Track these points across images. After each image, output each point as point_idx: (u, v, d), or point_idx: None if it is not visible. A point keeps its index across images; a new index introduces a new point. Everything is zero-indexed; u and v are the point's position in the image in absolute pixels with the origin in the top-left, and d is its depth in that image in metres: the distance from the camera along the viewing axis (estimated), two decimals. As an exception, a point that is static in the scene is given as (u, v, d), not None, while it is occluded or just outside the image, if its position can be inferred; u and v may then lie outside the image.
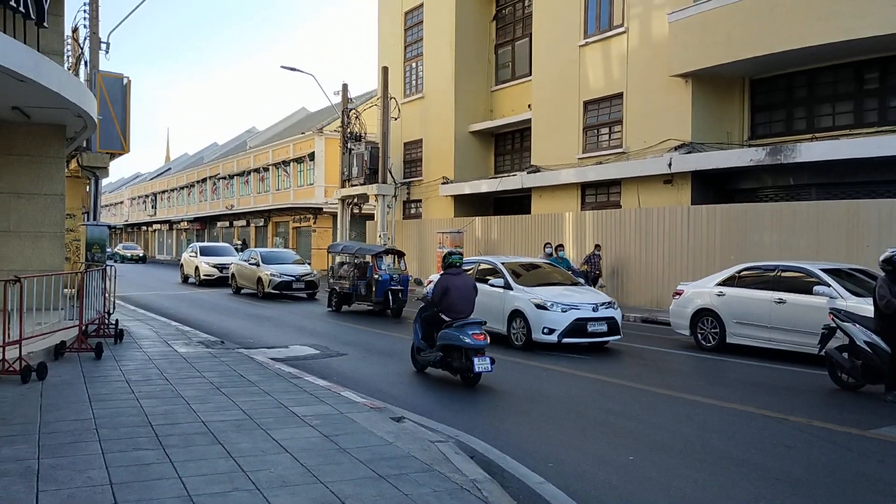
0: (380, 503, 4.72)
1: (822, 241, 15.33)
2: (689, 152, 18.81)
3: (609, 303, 12.81)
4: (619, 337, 12.66)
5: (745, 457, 6.33)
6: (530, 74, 25.81)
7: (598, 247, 19.19)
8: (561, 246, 17.96)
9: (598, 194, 22.68)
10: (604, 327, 12.35)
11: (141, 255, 58.38)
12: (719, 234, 17.41)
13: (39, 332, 9.65)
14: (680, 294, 13.24)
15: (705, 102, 19.32)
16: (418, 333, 10.16)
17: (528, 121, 25.48)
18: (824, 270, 11.13)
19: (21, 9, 9.44)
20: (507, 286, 12.98)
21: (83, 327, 10.75)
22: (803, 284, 11.20)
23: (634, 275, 19.57)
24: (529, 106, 25.48)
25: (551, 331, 12.07)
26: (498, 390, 9.19)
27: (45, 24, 10.00)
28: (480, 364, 9.01)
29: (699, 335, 12.60)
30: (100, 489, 4.82)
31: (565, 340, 12.10)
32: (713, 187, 19.32)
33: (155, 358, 10.40)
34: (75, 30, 21.98)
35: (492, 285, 13.27)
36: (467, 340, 9.12)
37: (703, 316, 12.54)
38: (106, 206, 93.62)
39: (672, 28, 19.18)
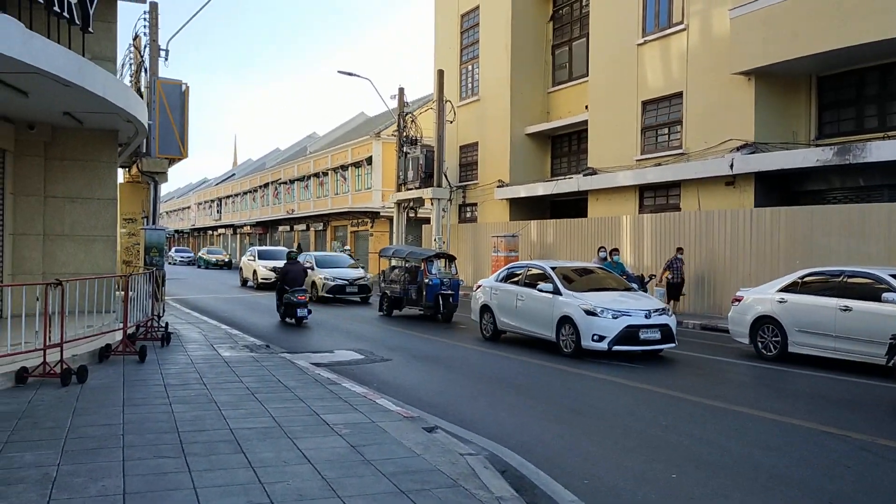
0: (396, 521, 4.46)
1: (895, 245, 14.42)
2: (752, 153, 18.02)
3: (662, 309, 12.28)
4: (673, 345, 12.11)
5: (798, 477, 5.84)
6: (588, 75, 25.27)
7: (680, 250, 18.15)
8: (616, 250, 17.40)
9: (657, 197, 21.99)
10: (657, 335, 11.83)
11: (226, 259, 54.07)
12: (783, 238, 16.60)
13: (83, 335, 9.73)
14: (739, 300, 12.61)
15: (769, 101, 18.50)
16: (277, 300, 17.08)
17: (586, 122, 24.95)
18: (895, 276, 10.39)
19: (65, 14, 9.56)
20: (556, 291, 12.57)
21: (130, 330, 10.83)
22: (871, 291, 10.48)
23: (691, 280, 18.84)
24: (586, 107, 24.95)
25: (601, 338, 11.63)
26: (542, 399, 8.83)
27: (90, 29, 10.13)
28: (301, 312, 16.33)
29: (759, 344, 11.95)
30: (111, 499, 4.69)
31: (616, 348, 11.64)
32: (777, 189, 18.47)
33: (197, 362, 10.40)
34: (136, 37, 22.50)
35: (540, 290, 12.89)
36: (294, 299, 16.33)
37: (763, 323, 11.89)
38: (174, 210, 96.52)
39: (734, 24, 18.43)
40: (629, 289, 13.48)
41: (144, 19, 20.77)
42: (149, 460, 5.56)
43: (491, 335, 14.21)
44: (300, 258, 27.07)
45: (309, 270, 24.36)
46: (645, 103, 22.14)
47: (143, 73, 21.34)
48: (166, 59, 21.45)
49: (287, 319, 16.96)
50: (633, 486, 5.60)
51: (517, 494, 5.08)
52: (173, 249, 65.51)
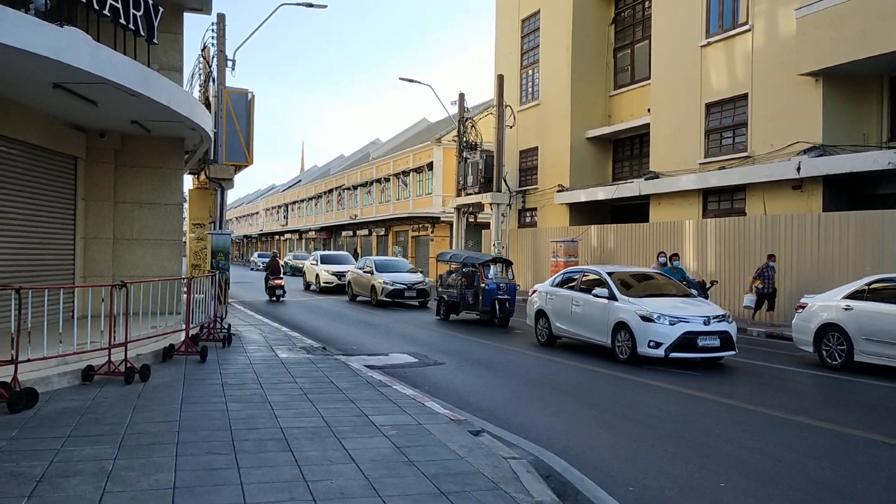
0: (433, 522, 4.50)
1: (975, 250, 13.75)
2: (820, 155, 17.43)
3: (723, 316, 11.99)
4: (733, 353, 11.81)
5: (853, 490, 5.63)
6: (650, 77, 24.90)
7: (772, 257, 17.13)
8: (676, 255, 17.07)
9: (721, 201, 21.47)
10: (716, 342, 11.56)
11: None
12: (852, 244, 16.00)
13: (147, 335, 10.11)
14: (804, 307, 12.21)
15: (838, 102, 17.87)
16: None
17: (648, 125, 24.59)
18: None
19: (131, 26, 9.98)
20: (612, 297, 12.42)
21: (193, 331, 11.19)
22: (945, 299, 10.01)
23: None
24: (649, 110, 24.58)
25: (658, 344, 11.43)
26: (593, 405, 8.75)
27: (154, 40, 10.54)
28: (278, 292, 24.94)
29: (824, 352, 11.55)
30: (162, 493, 4.87)
31: (673, 355, 11.42)
32: (847, 193, 17.82)
33: (255, 363, 10.67)
34: (205, 48, 23.24)
35: (595, 295, 12.76)
36: (272, 283, 24.50)
37: (828, 331, 11.49)
38: (243, 216, 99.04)
39: (800, 24, 17.89)
40: (688, 295, 13.21)
41: (212, 30, 21.44)
42: (200, 456, 5.75)
43: (546, 340, 14.13)
44: (361, 262, 27.66)
45: (368, 275, 24.78)
46: (709, 105, 21.68)
47: (211, 83, 22.03)
48: (233, 69, 22.07)
49: (272, 298, 25.31)
50: (679, 495, 5.50)
51: (558, 499, 5.06)
52: (255, 254, 65.32)
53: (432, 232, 41.94)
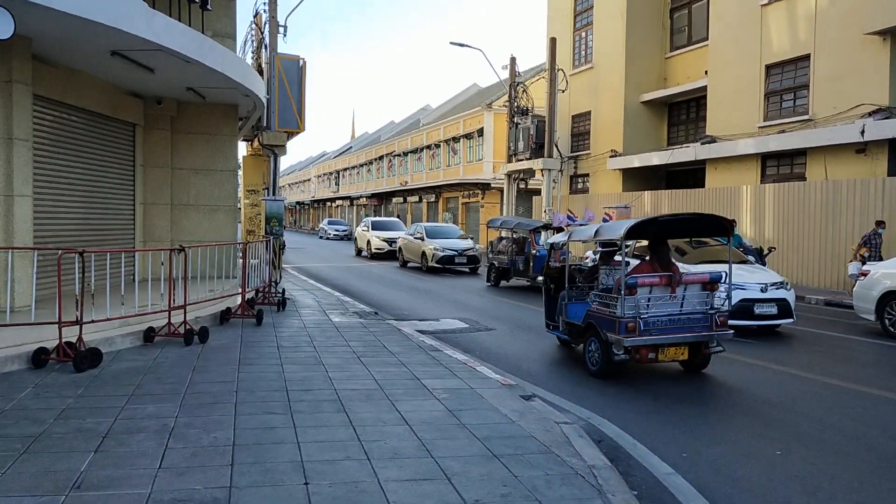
0: (486, 483, 4.53)
1: None
2: (887, 118, 16.72)
3: (780, 283, 11.71)
4: (791, 320, 11.55)
5: (920, 463, 5.48)
6: (708, 39, 24.15)
7: (880, 224, 15.55)
8: (733, 221, 16.59)
9: (781, 166, 20.84)
10: (773, 309, 11.31)
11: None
12: (921, 209, 15.39)
13: (205, 298, 10.35)
14: (865, 275, 11.84)
15: (908, 61, 17.08)
16: None
17: (704, 88, 23.92)
18: None
19: (186, -7, 10.10)
20: (666, 263, 12.18)
21: (249, 295, 11.42)
22: None
23: (817, 253, 17.82)
24: (706, 72, 23.88)
25: (713, 312, 11.20)
26: (644, 372, 8.67)
27: (208, 6, 10.63)
28: None
29: (886, 321, 11.20)
30: (221, 450, 5.02)
31: (730, 322, 11.17)
32: (915, 157, 17.11)
33: (309, 326, 10.85)
34: (257, 14, 23.35)
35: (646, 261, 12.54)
36: None
37: (891, 299, 11.12)
38: (295, 183, 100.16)
39: (870, -22, 17.09)
40: (745, 261, 12.92)
41: (264, -4, 21.49)
42: (258, 416, 5.89)
43: (598, 307, 13.97)
44: (412, 228, 27.78)
45: (418, 241, 24.88)
46: (769, 67, 20.95)
47: (263, 50, 22.15)
48: (285, 36, 22.17)
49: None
50: (734, 462, 5.43)
51: (610, 464, 5.05)
52: (325, 221, 59.47)
53: (482, 198, 41.77)
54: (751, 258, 13.63)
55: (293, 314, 12.15)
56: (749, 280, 11.51)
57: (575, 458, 5.08)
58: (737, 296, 11.19)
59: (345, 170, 74.69)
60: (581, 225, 10.22)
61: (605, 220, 9.51)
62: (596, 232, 8.69)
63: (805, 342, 10.91)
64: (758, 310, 11.23)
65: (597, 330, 8.29)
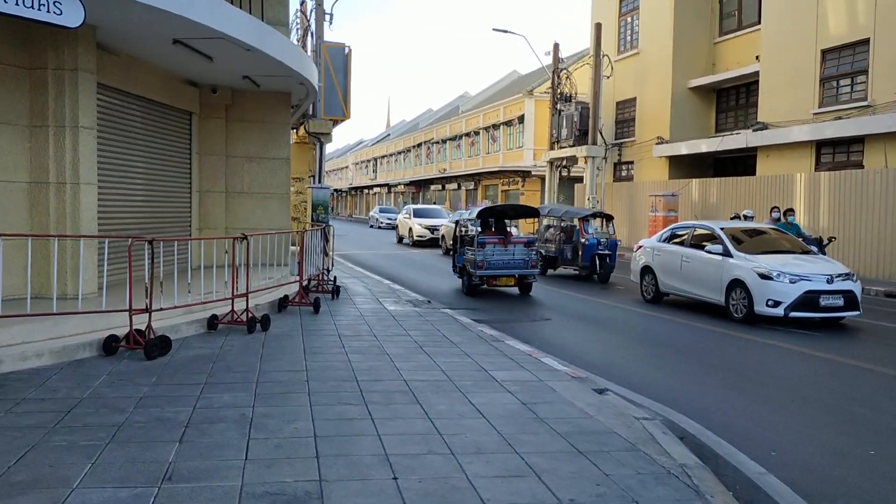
0: (577, 481, 4.43)
1: None
2: (955, 103, 16.15)
3: (846, 274, 11.37)
4: (857, 313, 11.22)
5: None
6: (759, 23, 23.57)
7: None
8: (791, 210, 16.17)
9: (836, 153, 20.30)
10: (839, 301, 10.99)
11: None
12: None
13: (265, 286, 10.38)
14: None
15: (978, 43, 16.45)
16: None
17: (755, 74, 23.42)
18: None
19: (246, -19, 10.07)
20: (727, 253, 11.95)
21: (304, 283, 11.43)
22: None
23: (875, 242, 17.33)
24: (757, 57, 23.32)
25: (777, 303, 10.95)
26: (713, 365, 8.48)
27: (268, -6, 10.61)
28: None
29: (961, 315, 10.84)
30: (304, 441, 4.98)
31: (793, 314, 10.93)
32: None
33: (366, 314, 10.82)
34: (303, 2, 23.36)
35: (708, 252, 12.31)
36: None
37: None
38: (333, 170, 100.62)
39: (937, -43, 16.46)
40: (807, 251, 12.58)
41: (311, -16, 21.49)
42: (334, 406, 5.86)
43: (652, 297, 13.78)
44: (455, 216, 27.68)
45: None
46: (825, 52, 20.38)
47: (308, 37, 22.17)
48: (331, 23, 22.12)
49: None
50: (827, 462, 5.25)
51: (702, 463, 4.90)
52: (376, 209, 54.61)
53: (523, 186, 41.52)
54: (813, 248, 13.26)
55: (347, 302, 12.14)
56: (814, 271, 11.20)
57: (663, 456, 4.95)
58: (801, 287, 10.93)
59: (382, 157, 74.86)
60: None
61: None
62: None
63: (873, 335, 10.60)
64: (823, 301, 10.92)
65: (466, 268, 14.60)
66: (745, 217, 17.14)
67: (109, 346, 7.43)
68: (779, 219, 15.74)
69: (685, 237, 13.39)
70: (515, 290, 14.79)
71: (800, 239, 13.96)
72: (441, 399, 6.17)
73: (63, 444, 4.80)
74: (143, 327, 7.61)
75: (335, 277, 13.50)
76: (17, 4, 6.82)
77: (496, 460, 4.73)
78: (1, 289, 7.36)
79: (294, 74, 11.54)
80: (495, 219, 15.10)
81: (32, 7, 6.91)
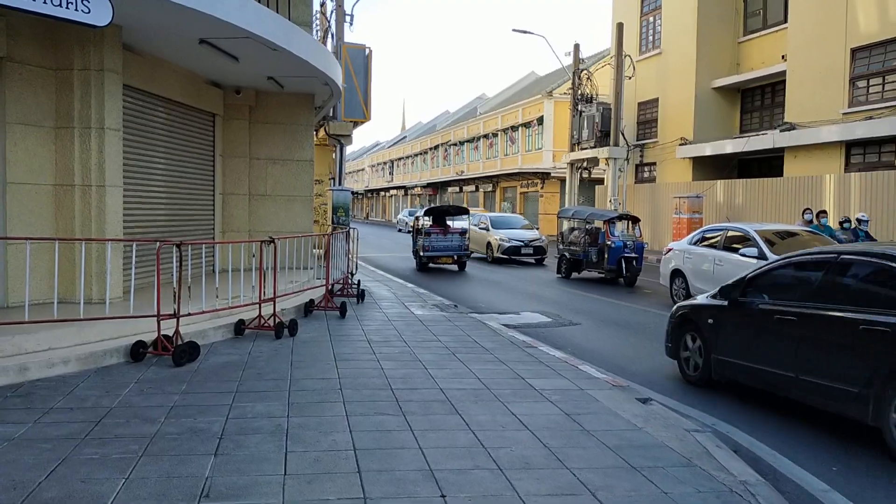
0: (635, 500, 4.19)
1: None
2: None
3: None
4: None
5: None
6: (785, 21, 23.19)
7: None
8: (824, 212, 15.79)
9: (867, 154, 19.87)
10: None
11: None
12: None
13: (291, 290, 10.20)
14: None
15: None
16: None
17: (781, 73, 23.01)
18: None
19: (273, -21, 9.90)
20: (762, 256, 11.61)
21: (329, 287, 11.24)
22: None
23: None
24: (783, 57, 22.93)
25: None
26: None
27: (295, -7, 10.44)
28: None
29: None
30: (343, 454, 4.77)
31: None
32: None
33: (393, 319, 10.62)
34: (323, 3, 23.23)
35: (742, 255, 12.00)
36: None
37: None
38: (349, 172, 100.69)
39: (974, -47, 16.05)
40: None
41: (331, -16, 21.35)
42: (371, 416, 5.64)
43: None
44: (475, 218, 27.43)
45: (483, 231, 24.51)
46: (854, 51, 19.96)
47: (328, 38, 22.03)
48: (351, 24, 21.96)
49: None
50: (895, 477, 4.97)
51: (762, 479, 4.64)
52: (405, 211, 52.57)
53: (542, 188, 41.21)
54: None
55: (373, 306, 11.94)
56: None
57: (721, 472, 4.69)
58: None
59: (399, 159, 74.75)
60: None
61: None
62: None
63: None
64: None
65: (418, 251, 19.85)
66: (861, 221, 14.94)
67: (137, 352, 7.26)
68: (811, 221, 15.39)
69: (717, 239, 13.09)
70: (455, 267, 20.17)
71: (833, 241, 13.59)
72: (481, 409, 5.94)
73: (94, 458, 4.61)
74: (170, 332, 7.45)
75: (359, 281, 13.30)
76: (44, 3, 6.67)
77: (546, 476, 4.50)
78: (28, 292, 7.22)
79: (319, 75, 11.36)
80: (439, 215, 20.73)
81: (60, 5, 6.76)
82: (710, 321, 7.32)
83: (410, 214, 49.93)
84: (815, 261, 6.44)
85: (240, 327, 8.76)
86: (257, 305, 8.88)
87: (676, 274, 13.73)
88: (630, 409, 6.13)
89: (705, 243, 13.43)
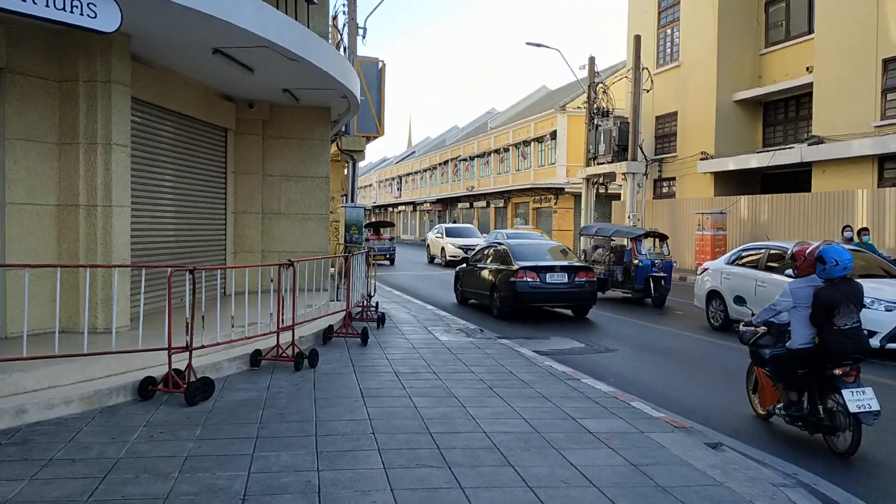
0: (744, 585, 3.47)
1: None
2: None
3: (948, 301, 10.25)
4: (962, 345, 10.10)
5: None
6: (809, 32, 22.58)
7: None
8: (866, 230, 15.02)
9: (902, 168, 19.16)
10: (942, 332, 9.86)
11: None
12: None
13: (310, 315, 9.52)
14: None
15: None
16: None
17: (805, 86, 22.33)
18: None
19: (292, -15, 9.31)
20: (810, 277, 10.89)
21: (349, 311, 10.57)
22: None
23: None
24: (808, 69, 22.27)
25: (872, 333, 9.83)
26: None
27: (314, 0, 9.83)
28: None
29: None
30: (388, 522, 4.07)
31: (890, 346, 9.87)
32: None
33: (418, 346, 9.92)
34: (335, 17, 22.73)
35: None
36: None
37: None
38: (357, 188, 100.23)
39: None
40: (893, 275, 11.50)
41: (344, -3, 20.79)
42: (412, 469, 4.94)
43: (721, 324, 12.73)
44: (490, 237, 26.74)
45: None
46: (887, 61, 19.28)
47: (341, 52, 21.46)
48: (364, 37, 21.40)
49: None
50: None
51: (884, 553, 3.93)
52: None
53: (555, 203, 40.50)
54: (897, 270, 12.17)
55: (395, 331, 11.25)
56: (907, 298, 10.09)
57: (834, 543, 3.98)
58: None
59: (407, 175, 74.22)
60: None
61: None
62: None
63: (985, 370, 9.49)
64: (924, 332, 9.81)
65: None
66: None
67: (146, 389, 6.59)
68: (852, 238, 14.66)
69: (758, 259, 12.36)
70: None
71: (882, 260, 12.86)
72: (535, 459, 5.24)
73: (97, 528, 3.93)
74: (181, 366, 6.77)
75: (377, 304, 12.61)
76: (46, 6, 6.05)
77: (631, 552, 3.79)
78: (26, 324, 6.55)
79: (338, 87, 10.74)
80: (377, 226, 28.24)
81: (63, 9, 6.14)
82: None
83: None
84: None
85: (256, 358, 8.08)
86: (275, 334, 8.20)
87: (713, 295, 13.00)
88: (702, 457, 5.41)
89: (743, 262, 12.73)
